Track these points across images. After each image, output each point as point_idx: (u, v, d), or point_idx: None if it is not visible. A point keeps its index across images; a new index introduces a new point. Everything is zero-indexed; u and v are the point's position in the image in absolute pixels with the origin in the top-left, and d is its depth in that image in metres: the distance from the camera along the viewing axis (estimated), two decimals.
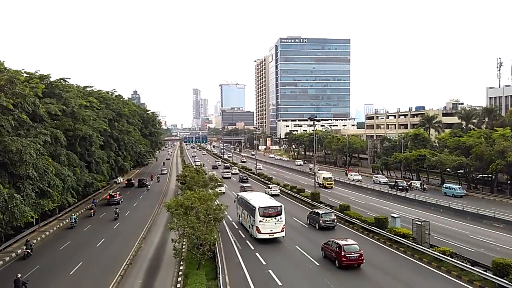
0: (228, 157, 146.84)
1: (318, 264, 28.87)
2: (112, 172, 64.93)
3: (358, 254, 27.89)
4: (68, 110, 46.59)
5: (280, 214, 35.41)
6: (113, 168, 64.85)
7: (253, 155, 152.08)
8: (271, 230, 34.87)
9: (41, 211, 35.89)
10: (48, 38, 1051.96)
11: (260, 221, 34.92)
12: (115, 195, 59.35)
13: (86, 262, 31.16)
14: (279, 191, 62.64)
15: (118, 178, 79.00)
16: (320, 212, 40.97)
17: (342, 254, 27.70)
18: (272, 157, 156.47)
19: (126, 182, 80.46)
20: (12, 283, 24.41)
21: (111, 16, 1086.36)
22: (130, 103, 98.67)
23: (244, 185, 63.15)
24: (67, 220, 47.02)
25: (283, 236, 35.58)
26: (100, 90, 72.09)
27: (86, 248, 35.47)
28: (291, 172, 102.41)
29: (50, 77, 47.83)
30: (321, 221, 39.39)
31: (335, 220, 40.39)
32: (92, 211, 51.03)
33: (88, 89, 66.73)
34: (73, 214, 46.14)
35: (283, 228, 35.34)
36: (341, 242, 28.64)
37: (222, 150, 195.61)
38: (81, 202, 56.69)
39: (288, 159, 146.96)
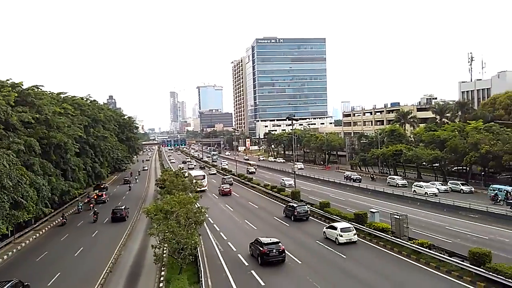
0: (225, 165, 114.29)
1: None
2: (89, 179, 63.85)
3: (229, 189, 65.30)
4: (41, 117, 45.60)
5: (204, 178, 70.87)
6: (90, 175, 63.75)
7: (246, 159, 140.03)
8: (200, 186, 60.40)
9: (15, 223, 34.98)
10: (17, 44, 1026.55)
11: (194, 182, 57.45)
12: (102, 195, 66.68)
13: (63, 273, 30.47)
14: (216, 171, 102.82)
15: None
16: (225, 177, 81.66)
17: (221, 189, 66.29)
18: (264, 160, 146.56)
19: (100, 186, 77.70)
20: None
21: (83, 19, 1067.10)
22: (106, 108, 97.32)
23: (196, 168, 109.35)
24: (44, 230, 46.18)
25: (206, 188, 68.25)
26: (74, 96, 70.81)
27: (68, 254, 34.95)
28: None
29: (22, 85, 46.80)
30: (224, 181, 75.06)
31: (232, 179, 78.34)
32: (91, 205, 60.31)
33: (62, 95, 65.39)
34: (80, 203, 59.46)
35: (206, 184, 69.19)
36: (222, 185, 68.50)
37: (214, 157, 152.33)
38: (57, 211, 55.55)
39: (283, 160, 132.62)
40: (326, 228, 35.76)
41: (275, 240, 29.60)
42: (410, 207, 47.87)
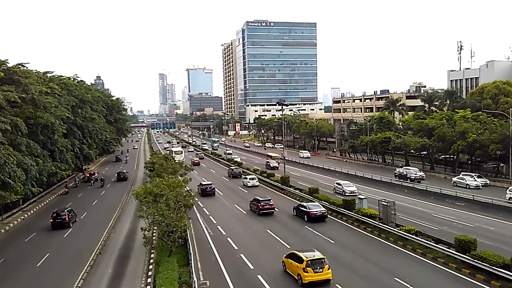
0: (227, 155, 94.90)
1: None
2: (77, 161, 63.28)
3: (198, 161, 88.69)
4: (28, 97, 44.67)
5: (182, 153, 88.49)
6: (78, 156, 63.13)
7: (247, 147, 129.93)
8: (179, 159, 67.40)
9: (2, 203, 34.56)
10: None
11: (174, 156, 68.38)
12: (94, 173, 71.01)
13: (52, 254, 30.37)
14: (193, 149, 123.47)
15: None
16: (198, 153, 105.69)
17: (193, 160, 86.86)
18: (260, 146, 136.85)
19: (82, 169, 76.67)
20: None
21: None
22: (94, 88, 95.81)
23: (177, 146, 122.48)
24: (32, 211, 45.95)
25: (184, 159, 78.72)
26: (62, 76, 69.53)
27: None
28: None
29: (8, 63, 45.65)
30: (197, 155, 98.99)
31: (203, 154, 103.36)
32: (92, 181, 65.89)
33: (49, 75, 64.07)
34: (76, 178, 67.38)
35: (183, 158, 79.77)
36: (193, 158, 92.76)
37: (215, 144, 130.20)
38: (47, 192, 55.13)
39: (282, 147, 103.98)
40: (243, 179, 60.02)
41: (209, 182, 54.37)
42: (398, 194, 48.49)
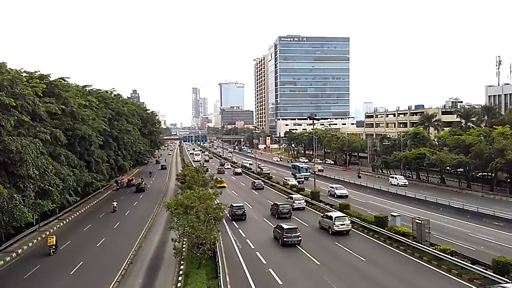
0: (339, 196, 57.44)
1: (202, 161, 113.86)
2: (111, 172, 65.00)
3: (207, 159, 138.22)
4: (67, 109, 46.49)
5: (200, 155, 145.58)
6: (113, 167, 64.88)
7: (320, 170, 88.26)
8: (198, 159, 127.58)
9: (40, 211, 35.84)
10: (45, 37, 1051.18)
11: (195, 157, 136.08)
12: (132, 179, 79.38)
13: (86, 263, 31.17)
14: (207, 153, 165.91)
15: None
16: (208, 154, 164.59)
17: (205, 158, 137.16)
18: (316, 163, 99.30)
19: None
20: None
21: (109, 14, 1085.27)
22: (129, 102, 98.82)
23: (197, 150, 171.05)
24: (67, 220, 47.40)
25: (201, 160, 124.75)
26: (99, 89, 72.02)
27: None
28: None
29: (50, 77, 47.78)
30: (207, 156, 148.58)
31: (212, 155, 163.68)
32: (143, 181, 74.87)
33: (87, 88, 66.61)
34: (123, 180, 78.71)
35: (200, 159, 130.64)
36: (205, 156, 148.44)
37: (303, 173, 79.73)
38: (82, 202, 56.77)
39: (331, 162, 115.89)
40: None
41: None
42: (432, 212, 46.99)
